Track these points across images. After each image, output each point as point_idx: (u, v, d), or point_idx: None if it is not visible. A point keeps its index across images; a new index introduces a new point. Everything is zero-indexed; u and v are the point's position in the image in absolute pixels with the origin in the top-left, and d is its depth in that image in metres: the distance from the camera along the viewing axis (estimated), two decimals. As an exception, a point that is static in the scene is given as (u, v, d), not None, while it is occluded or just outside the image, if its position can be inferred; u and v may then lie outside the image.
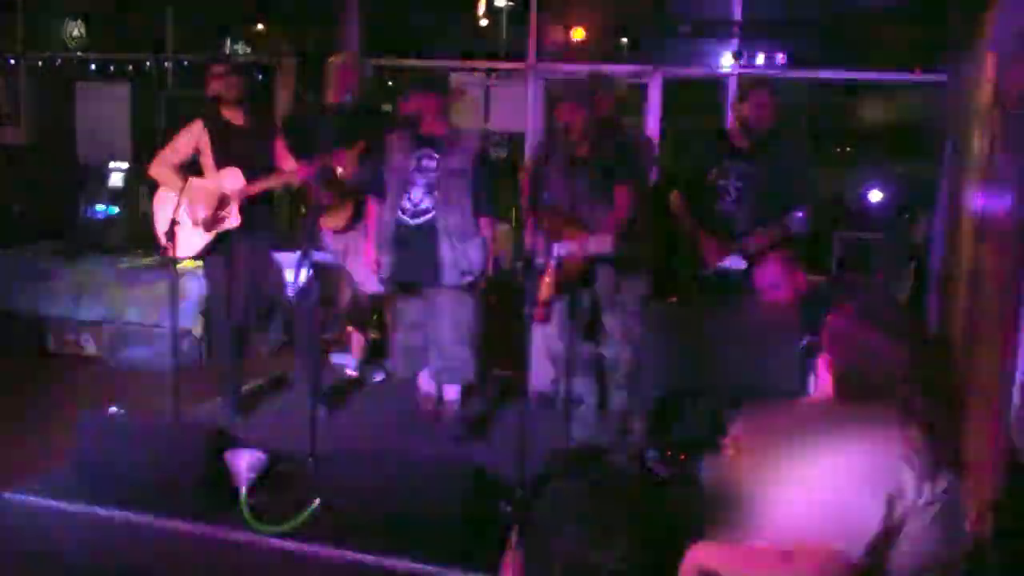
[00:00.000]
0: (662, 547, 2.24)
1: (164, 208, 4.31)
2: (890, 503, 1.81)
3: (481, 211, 4.13)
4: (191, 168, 4.26)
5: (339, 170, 4.51)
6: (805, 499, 1.86)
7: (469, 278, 4.13)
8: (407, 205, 4.13)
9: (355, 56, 5.07)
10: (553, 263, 3.72)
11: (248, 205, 4.33)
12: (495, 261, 4.34)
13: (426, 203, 4.10)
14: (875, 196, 6.15)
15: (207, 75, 4.32)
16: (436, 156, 4.11)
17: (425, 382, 4.47)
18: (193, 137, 4.30)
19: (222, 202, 4.29)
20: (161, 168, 4.34)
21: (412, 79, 4.33)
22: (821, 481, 1.86)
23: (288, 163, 4.41)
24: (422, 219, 4.11)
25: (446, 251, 4.07)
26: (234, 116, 4.34)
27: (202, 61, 7.05)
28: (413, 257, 4.14)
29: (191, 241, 4.30)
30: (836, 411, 1.96)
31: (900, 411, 1.87)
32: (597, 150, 3.89)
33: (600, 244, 3.61)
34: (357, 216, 4.81)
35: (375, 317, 5.38)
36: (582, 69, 6.12)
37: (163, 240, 3.95)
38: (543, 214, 3.87)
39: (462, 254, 4.08)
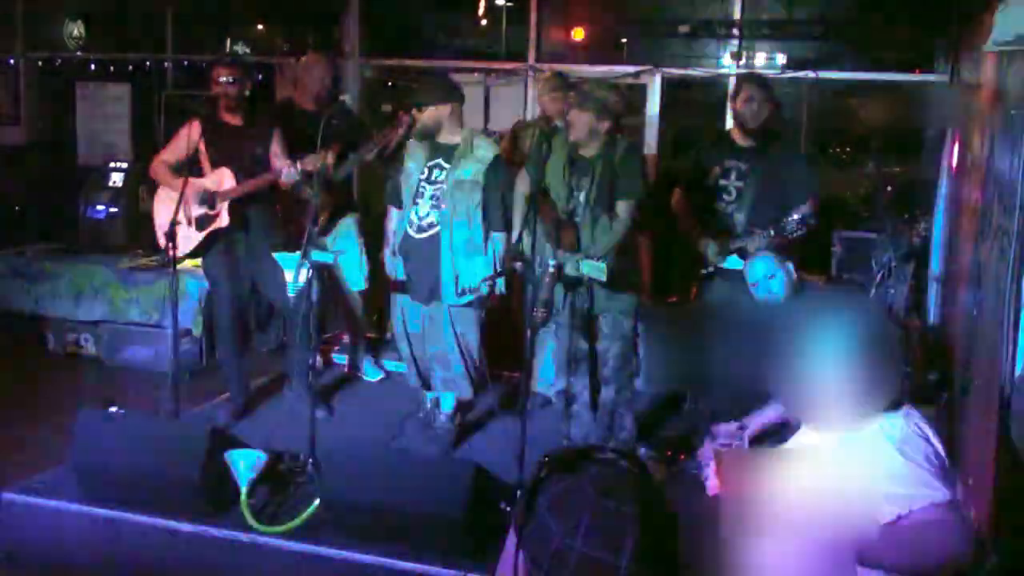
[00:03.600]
0: (666, 545, 2.24)
1: (164, 208, 4.35)
2: (908, 501, 1.80)
3: (493, 226, 4.01)
4: (192, 168, 4.25)
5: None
6: (819, 494, 1.84)
7: (468, 297, 4.01)
8: (413, 219, 4.07)
9: (323, 57, 5.00)
10: (552, 264, 3.72)
11: (244, 205, 4.35)
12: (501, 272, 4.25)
13: (432, 217, 4.02)
14: (875, 196, 6.15)
15: (212, 75, 4.32)
16: (447, 167, 4.02)
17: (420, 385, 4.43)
18: (190, 137, 4.27)
19: (211, 201, 4.31)
20: (159, 168, 4.38)
21: (426, 86, 4.24)
22: (838, 479, 1.84)
23: (279, 163, 4.41)
24: (427, 233, 4.04)
25: (448, 268, 3.98)
26: (231, 117, 4.36)
27: (204, 61, 7.08)
28: (417, 270, 4.09)
29: (186, 239, 4.32)
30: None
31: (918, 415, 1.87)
32: (605, 158, 3.86)
33: (595, 271, 3.60)
34: (333, 219, 4.82)
35: (375, 318, 5.39)
36: (582, 69, 6.14)
37: (163, 240, 3.98)
38: (541, 213, 3.86)
39: (464, 271, 3.99)
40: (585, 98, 3.81)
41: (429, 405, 4.41)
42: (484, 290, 3.99)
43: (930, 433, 1.87)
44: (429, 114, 4.01)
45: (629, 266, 3.92)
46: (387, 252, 4.30)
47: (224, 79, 4.27)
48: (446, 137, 4.05)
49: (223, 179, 4.30)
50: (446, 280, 3.99)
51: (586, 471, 1.72)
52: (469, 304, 4.05)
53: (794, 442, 2.15)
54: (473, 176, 3.97)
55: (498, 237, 4.03)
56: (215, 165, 4.32)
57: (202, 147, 4.31)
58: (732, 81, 5.89)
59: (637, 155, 3.99)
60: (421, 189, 4.06)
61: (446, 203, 3.98)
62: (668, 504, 1.55)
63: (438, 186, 4.02)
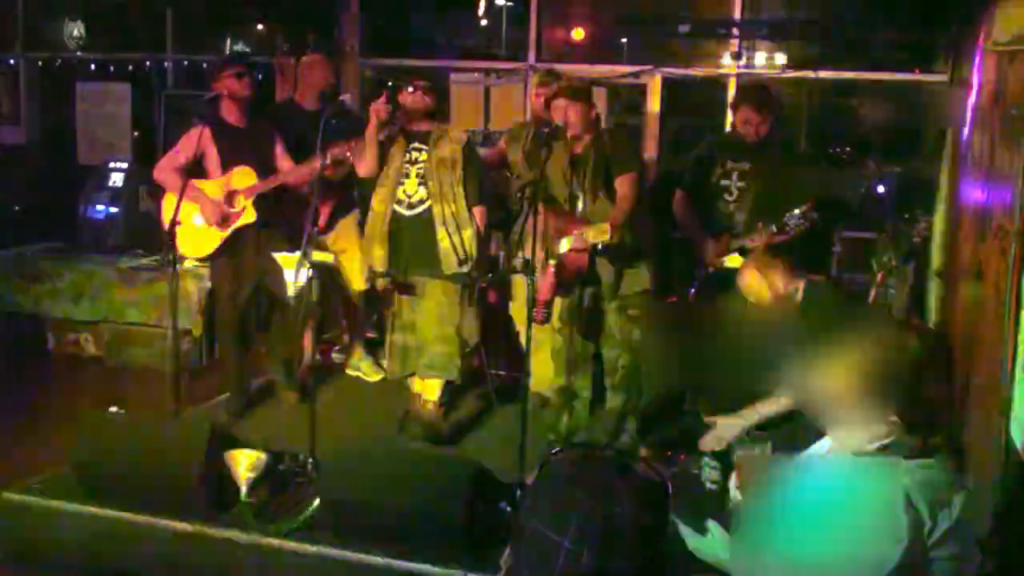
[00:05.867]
0: (626, 537, 2.24)
1: (171, 210, 4.31)
2: (909, 535, 1.77)
3: (472, 201, 4.16)
4: (194, 171, 4.28)
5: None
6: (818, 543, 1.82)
7: (467, 267, 4.14)
8: (402, 197, 4.18)
9: (323, 57, 5.03)
10: (552, 263, 3.73)
11: (268, 202, 4.39)
12: (493, 261, 4.34)
13: (420, 194, 4.15)
14: (875, 195, 6.16)
15: (220, 72, 4.35)
16: (425, 148, 4.17)
17: (417, 382, 4.45)
18: (196, 141, 4.27)
19: (231, 200, 4.35)
20: (164, 172, 4.40)
21: (400, 78, 4.35)
22: (835, 528, 1.82)
23: (286, 163, 4.43)
24: (418, 210, 4.15)
25: (444, 240, 4.10)
26: (236, 118, 4.39)
27: (204, 61, 7.09)
28: (410, 247, 4.17)
29: (205, 241, 4.38)
30: (845, 459, 1.93)
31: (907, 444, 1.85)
32: (595, 145, 3.91)
33: (598, 234, 3.62)
34: (334, 218, 4.83)
35: (375, 317, 5.38)
36: (582, 69, 6.15)
37: (189, 252, 4.23)
38: (544, 213, 3.88)
39: (459, 243, 4.12)
40: (576, 92, 3.91)
41: (420, 404, 4.40)
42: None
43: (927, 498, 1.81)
44: (402, 102, 4.18)
45: (639, 241, 3.96)
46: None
47: (232, 76, 4.31)
48: (417, 125, 4.20)
49: (244, 176, 4.34)
50: (444, 253, 4.11)
51: (569, 462, 1.74)
52: (465, 277, 4.16)
53: (814, 450, 2.14)
54: (451, 155, 4.13)
55: (476, 211, 4.18)
56: (227, 166, 4.36)
57: (208, 150, 4.35)
58: (731, 81, 5.90)
59: (625, 134, 4.10)
60: (405, 170, 4.19)
61: (432, 181, 4.12)
62: (650, 505, 1.55)
63: (421, 165, 4.17)
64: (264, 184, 4.34)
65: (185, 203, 4.22)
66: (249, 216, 4.35)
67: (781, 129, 4.51)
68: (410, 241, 4.17)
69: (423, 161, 4.16)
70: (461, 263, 4.13)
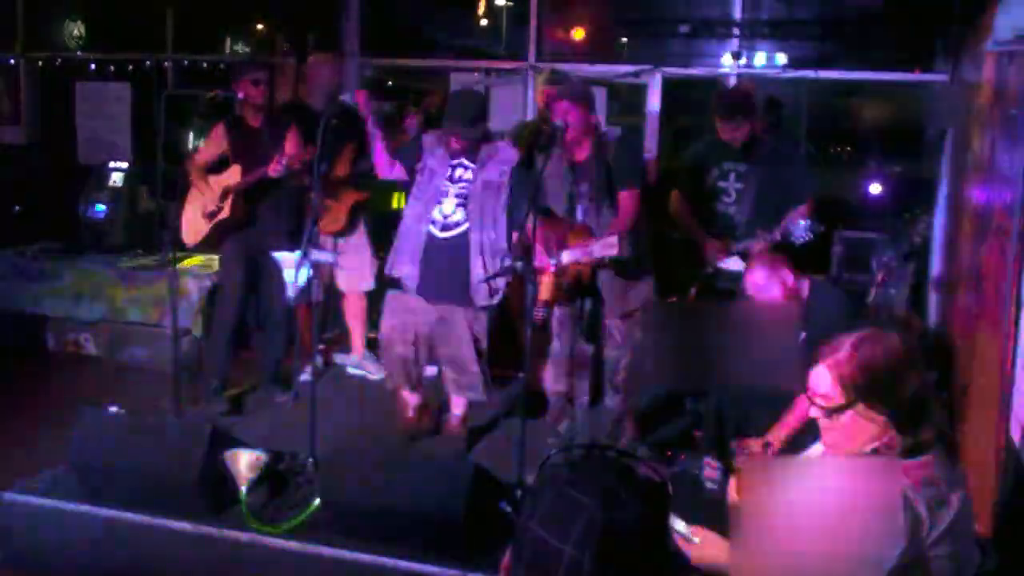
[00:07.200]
0: (628, 541, 2.24)
1: (190, 207, 4.66)
2: (908, 534, 1.76)
3: (516, 226, 3.92)
4: (219, 167, 4.62)
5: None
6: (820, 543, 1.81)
7: (497, 299, 3.97)
8: (437, 217, 3.96)
9: (335, 57, 5.11)
10: (552, 265, 3.73)
11: (249, 201, 4.56)
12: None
13: (457, 216, 3.93)
14: (875, 195, 6.15)
15: (240, 76, 4.53)
16: (472, 167, 3.96)
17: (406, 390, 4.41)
18: (217, 139, 4.62)
19: (224, 196, 4.56)
20: (193, 168, 4.67)
21: (441, 108, 4.33)
22: (834, 530, 1.81)
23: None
24: (452, 232, 3.95)
25: (478, 269, 3.90)
26: (254, 118, 4.59)
27: (204, 61, 7.09)
28: (441, 272, 3.96)
29: (198, 228, 4.63)
30: (841, 461, 1.93)
31: (906, 443, 1.84)
32: (599, 154, 3.88)
33: (606, 248, 3.60)
34: (353, 219, 4.84)
35: (374, 317, 5.38)
36: (582, 69, 6.14)
37: (187, 239, 4.57)
38: (544, 218, 3.88)
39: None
40: (579, 95, 3.86)
41: (411, 412, 4.37)
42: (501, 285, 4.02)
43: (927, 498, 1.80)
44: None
45: (641, 253, 3.94)
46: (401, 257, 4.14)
47: (250, 82, 4.49)
48: (462, 145, 3.95)
49: (235, 174, 4.56)
50: (476, 283, 3.92)
51: (569, 464, 1.74)
52: (492, 305, 4.02)
53: (812, 451, 2.14)
54: (499, 177, 3.93)
55: (516, 236, 3.94)
56: (233, 162, 4.58)
57: (227, 148, 4.61)
58: (732, 81, 5.89)
59: (631, 145, 4.04)
60: (444, 188, 3.97)
61: (473, 204, 3.91)
62: (653, 505, 1.54)
63: (463, 185, 3.96)
64: (238, 184, 4.51)
65: (196, 192, 4.62)
66: (225, 212, 4.55)
67: (779, 129, 4.50)
68: (444, 265, 3.93)
69: (466, 181, 3.94)
70: (492, 295, 3.95)
